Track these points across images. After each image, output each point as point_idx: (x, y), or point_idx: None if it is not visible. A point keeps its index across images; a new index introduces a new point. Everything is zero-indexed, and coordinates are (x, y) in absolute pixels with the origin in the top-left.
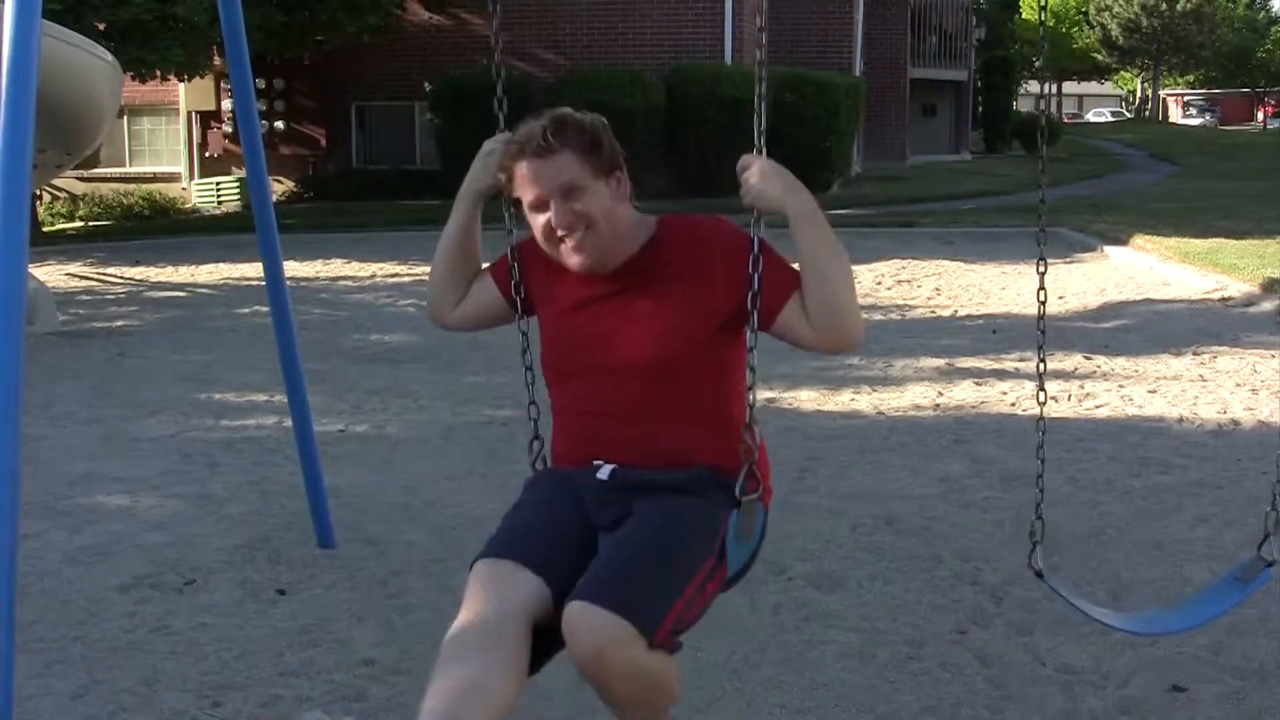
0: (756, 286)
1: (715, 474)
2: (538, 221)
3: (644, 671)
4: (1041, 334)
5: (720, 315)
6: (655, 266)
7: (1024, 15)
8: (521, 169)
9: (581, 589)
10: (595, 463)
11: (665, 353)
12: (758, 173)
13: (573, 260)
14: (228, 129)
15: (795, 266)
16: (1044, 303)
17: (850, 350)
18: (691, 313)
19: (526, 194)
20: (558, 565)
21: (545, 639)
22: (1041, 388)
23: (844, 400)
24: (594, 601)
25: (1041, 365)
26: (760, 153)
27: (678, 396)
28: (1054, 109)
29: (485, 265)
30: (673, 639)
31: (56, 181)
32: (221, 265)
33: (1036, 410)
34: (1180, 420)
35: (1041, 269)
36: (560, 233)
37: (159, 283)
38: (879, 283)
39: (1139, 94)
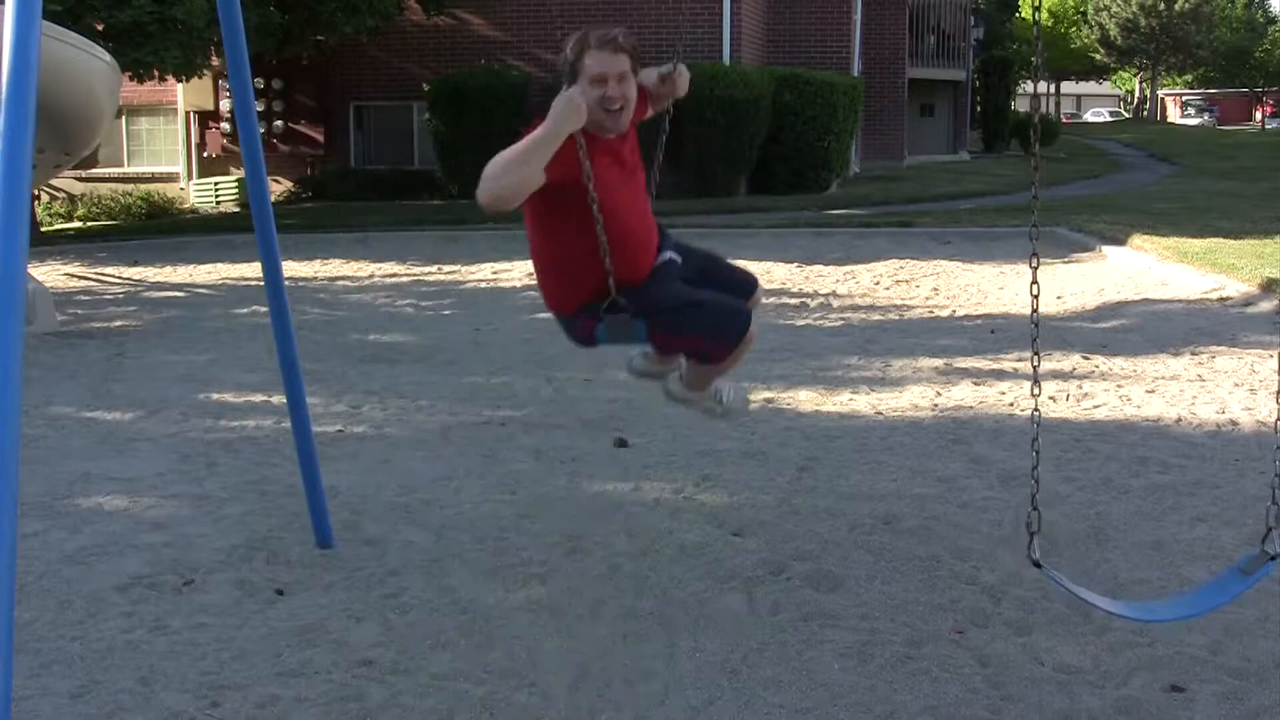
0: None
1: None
2: (595, 92)
3: None
4: (1035, 326)
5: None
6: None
7: (1022, 15)
8: (595, 54)
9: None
10: (663, 257)
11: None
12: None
13: (615, 121)
14: (226, 129)
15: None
16: (1037, 296)
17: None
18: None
19: (593, 71)
20: None
21: None
22: (1035, 380)
23: (842, 400)
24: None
25: (1035, 360)
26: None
27: None
28: (1052, 109)
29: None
30: None
31: (55, 182)
32: (220, 265)
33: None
34: (1178, 420)
35: (1034, 264)
36: (615, 105)
37: (157, 283)
38: (877, 283)
39: (1137, 94)
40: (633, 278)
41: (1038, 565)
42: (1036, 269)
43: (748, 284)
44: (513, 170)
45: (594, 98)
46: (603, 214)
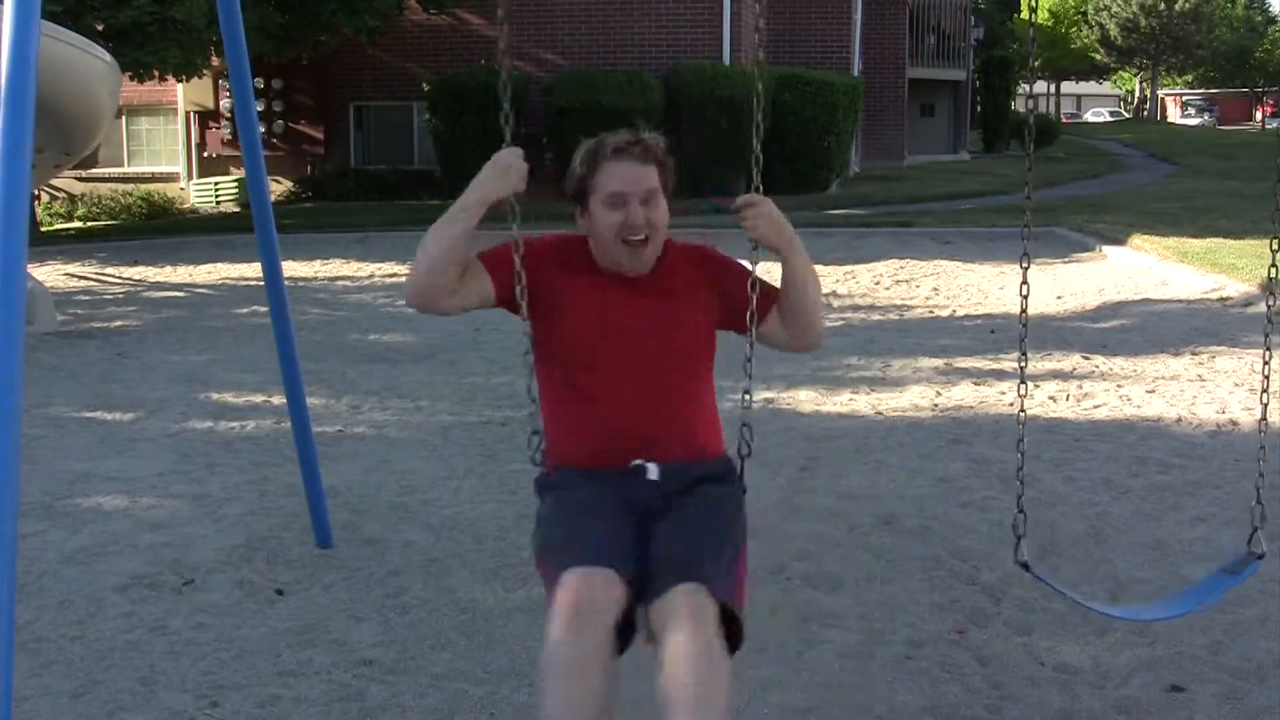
0: (754, 306)
1: (729, 462)
2: (610, 218)
3: (720, 657)
4: (1024, 313)
5: (711, 325)
6: (664, 279)
7: (1022, 15)
8: (610, 166)
9: (675, 574)
10: (636, 463)
11: (680, 352)
12: (767, 217)
13: (636, 258)
14: (226, 129)
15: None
16: (1026, 297)
17: (815, 350)
18: (694, 323)
19: (610, 188)
20: (633, 566)
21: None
22: (1022, 380)
23: (842, 400)
24: (698, 582)
25: (1022, 361)
26: (758, 190)
27: (688, 393)
28: (1051, 109)
29: (475, 253)
30: (739, 622)
31: (55, 181)
32: (220, 265)
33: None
34: (1178, 420)
35: (1025, 264)
36: (638, 234)
37: (157, 283)
38: (877, 283)
39: (1137, 94)
40: (582, 462)
41: (1026, 568)
42: (1027, 269)
43: (685, 571)
44: (423, 252)
45: (611, 225)
46: (560, 354)
